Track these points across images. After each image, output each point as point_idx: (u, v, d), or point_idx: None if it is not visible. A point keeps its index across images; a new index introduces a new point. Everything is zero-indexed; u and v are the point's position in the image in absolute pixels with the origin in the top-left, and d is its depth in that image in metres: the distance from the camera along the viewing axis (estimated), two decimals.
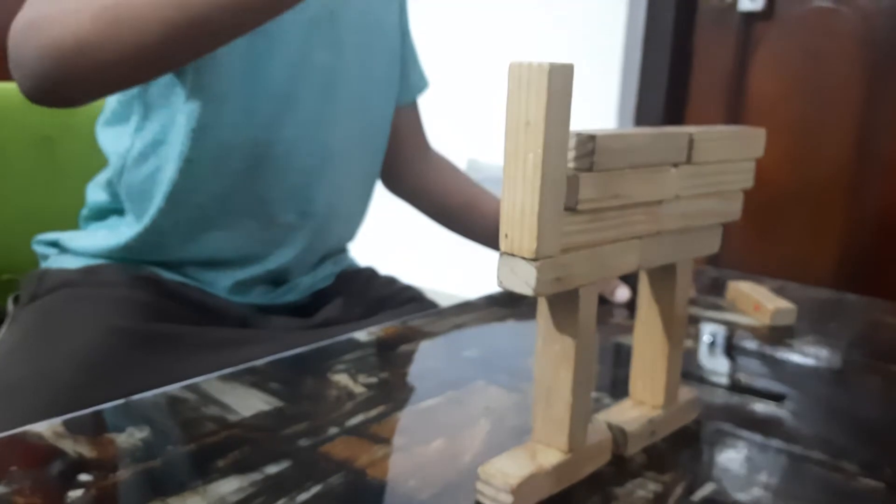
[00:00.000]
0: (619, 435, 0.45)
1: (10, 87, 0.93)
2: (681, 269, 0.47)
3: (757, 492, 0.43)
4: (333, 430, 0.47)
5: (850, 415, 0.55)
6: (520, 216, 0.35)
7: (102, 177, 0.80)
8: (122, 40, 0.56)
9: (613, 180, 0.39)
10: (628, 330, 0.70)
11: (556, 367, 0.41)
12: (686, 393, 0.51)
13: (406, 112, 0.94)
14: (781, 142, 1.92)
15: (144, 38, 0.55)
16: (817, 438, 0.50)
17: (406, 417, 0.49)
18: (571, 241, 0.37)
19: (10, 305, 0.81)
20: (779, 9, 1.92)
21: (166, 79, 0.71)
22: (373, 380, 0.55)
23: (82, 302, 0.70)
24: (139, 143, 0.74)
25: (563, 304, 0.40)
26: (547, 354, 0.41)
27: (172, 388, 0.51)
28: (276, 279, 0.82)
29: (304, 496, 0.39)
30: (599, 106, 2.12)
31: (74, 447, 0.43)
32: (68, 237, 0.80)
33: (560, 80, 0.33)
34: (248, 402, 0.50)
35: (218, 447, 0.44)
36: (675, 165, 0.43)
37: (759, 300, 0.76)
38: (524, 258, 0.35)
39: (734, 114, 1.97)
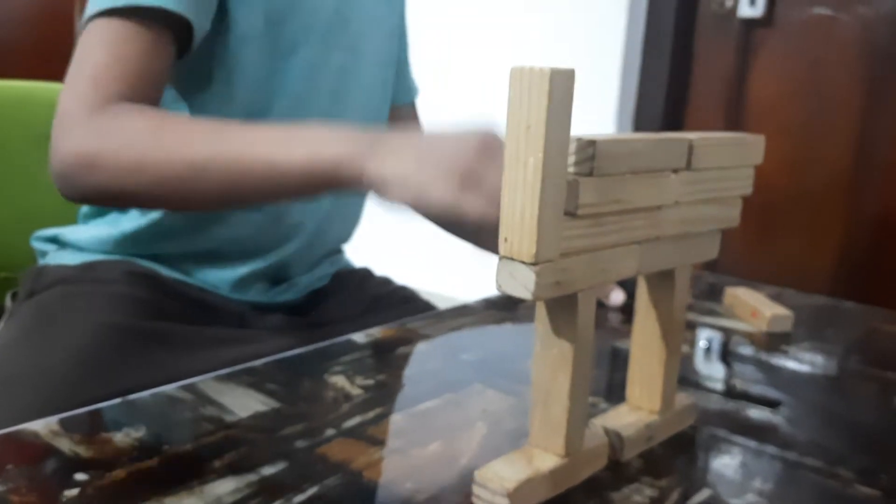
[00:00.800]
0: (615, 440, 0.45)
1: (9, 85, 0.93)
2: (679, 275, 0.47)
3: (752, 498, 0.43)
4: (330, 432, 0.47)
5: (845, 421, 0.55)
6: (520, 220, 0.35)
7: None
8: (178, 204, 0.65)
9: (613, 185, 0.39)
10: (625, 334, 0.70)
11: (554, 371, 0.41)
12: (683, 399, 0.51)
13: (405, 112, 0.94)
14: (780, 148, 1.92)
15: (198, 204, 0.65)
16: (813, 445, 0.50)
17: (403, 420, 0.49)
18: (571, 246, 0.37)
19: (7, 302, 0.81)
20: (778, 15, 1.92)
21: (183, 83, 0.72)
22: (370, 382, 0.55)
23: (80, 298, 0.70)
24: None
25: (562, 309, 0.40)
26: (545, 358, 0.41)
27: (169, 387, 0.51)
28: (276, 276, 0.82)
29: (300, 497, 0.39)
30: (598, 111, 2.13)
31: (71, 446, 0.43)
32: (67, 231, 0.80)
33: (561, 85, 0.33)
34: (245, 403, 0.50)
35: (214, 447, 0.44)
36: (675, 171, 0.43)
37: (756, 306, 0.76)
38: (523, 262, 0.35)
39: (733, 120, 1.97)
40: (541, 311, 0.41)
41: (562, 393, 0.41)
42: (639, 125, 2.13)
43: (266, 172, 0.58)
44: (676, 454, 0.47)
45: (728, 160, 0.47)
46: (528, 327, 0.71)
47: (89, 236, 0.78)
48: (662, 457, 0.47)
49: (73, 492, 0.38)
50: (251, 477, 0.41)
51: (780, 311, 0.75)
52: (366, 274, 0.92)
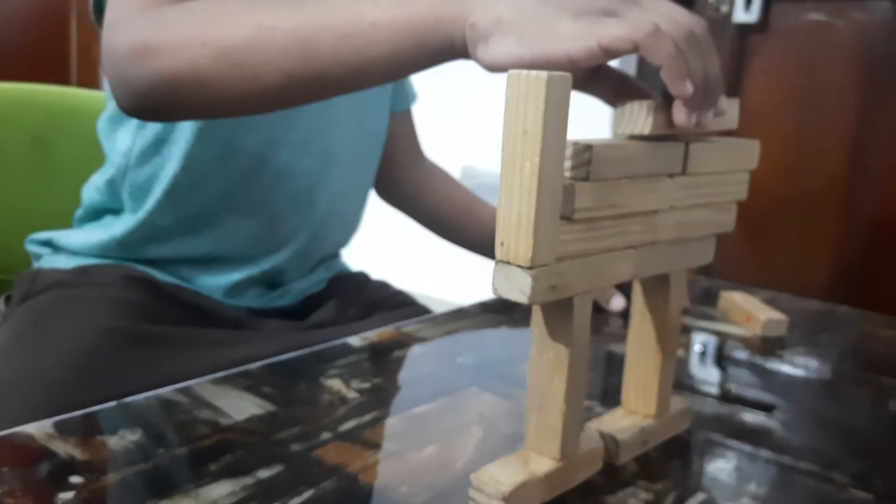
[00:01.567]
0: (611, 443, 0.46)
1: (3, 87, 0.93)
2: (675, 279, 0.47)
3: (747, 502, 0.43)
4: (326, 435, 0.47)
5: (840, 426, 0.55)
6: (516, 224, 0.35)
7: (99, 177, 0.80)
8: (243, 83, 0.54)
9: (609, 190, 0.39)
10: (621, 338, 0.70)
11: (550, 374, 0.41)
12: (678, 402, 0.51)
13: (401, 119, 0.94)
14: (775, 152, 1.93)
15: (264, 84, 0.54)
16: (807, 449, 0.50)
17: (399, 423, 0.49)
18: (567, 250, 0.37)
19: (1, 305, 0.81)
20: (773, 21, 1.93)
21: None
22: (366, 385, 0.55)
23: (74, 302, 0.70)
24: (141, 142, 0.74)
25: (558, 313, 0.40)
26: (541, 362, 0.41)
27: (165, 390, 0.51)
28: (271, 281, 0.82)
29: (296, 501, 0.39)
30: (594, 115, 2.13)
31: (66, 449, 0.43)
32: (62, 235, 0.80)
33: (558, 89, 0.34)
34: (241, 406, 0.50)
35: (210, 451, 0.44)
36: (671, 176, 0.43)
37: (751, 311, 0.76)
38: (519, 266, 0.35)
39: None
40: (537, 314, 0.41)
41: (557, 396, 0.41)
42: None
43: (348, 28, 0.51)
44: (671, 458, 0.47)
45: (723, 165, 0.47)
46: (523, 331, 0.71)
47: (84, 240, 0.77)
48: (657, 460, 0.47)
49: (69, 495, 0.38)
50: (247, 480, 0.41)
51: (775, 315, 0.75)
52: (363, 278, 0.92)
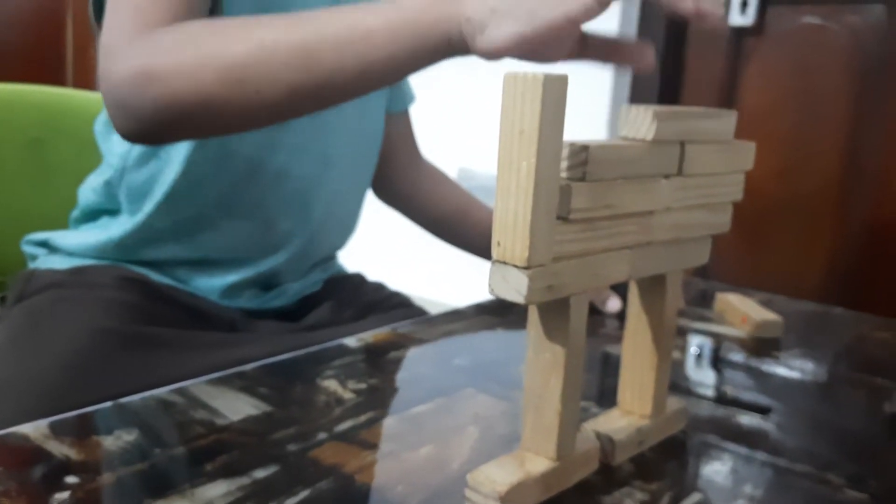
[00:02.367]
0: (607, 444, 0.46)
1: (0, 89, 0.93)
2: (670, 280, 0.47)
3: (742, 503, 0.43)
4: (322, 436, 0.47)
5: (835, 427, 0.55)
6: (512, 224, 0.35)
7: (95, 178, 0.80)
8: (247, 100, 0.54)
9: (605, 190, 0.39)
10: (617, 339, 0.70)
11: (546, 375, 0.41)
12: (674, 403, 0.51)
13: (399, 120, 0.94)
14: (771, 155, 1.93)
15: (268, 99, 0.54)
16: (802, 451, 0.50)
17: (395, 424, 0.49)
18: (563, 250, 0.37)
19: None
20: (769, 24, 1.93)
21: None
22: (362, 386, 0.55)
23: (70, 303, 0.70)
24: (139, 145, 0.74)
25: (554, 313, 0.40)
26: (537, 363, 0.41)
27: (161, 391, 0.51)
28: (267, 283, 0.82)
29: (292, 501, 0.39)
30: (590, 116, 2.14)
31: (61, 449, 0.42)
32: (58, 236, 0.80)
33: (554, 90, 0.34)
34: (236, 407, 0.50)
35: (206, 451, 0.44)
36: (667, 177, 0.43)
37: (746, 312, 0.76)
38: (516, 266, 0.35)
39: None
40: (533, 315, 0.41)
41: (553, 397, 0.41)
42: None
43: (347, 35, 0.52)
44: (667, 458, 0.48)
45: (719, 166, 0.47)
46: (519, 332, 0.71)
47: (80, 241, 0.77)
48: (653, 461, 0.47)
49: (64, 495, 0.38)
50: (243, 480, 0.41)
51: (771, 317, 0.75)
52: (359, 279, 0.92)
